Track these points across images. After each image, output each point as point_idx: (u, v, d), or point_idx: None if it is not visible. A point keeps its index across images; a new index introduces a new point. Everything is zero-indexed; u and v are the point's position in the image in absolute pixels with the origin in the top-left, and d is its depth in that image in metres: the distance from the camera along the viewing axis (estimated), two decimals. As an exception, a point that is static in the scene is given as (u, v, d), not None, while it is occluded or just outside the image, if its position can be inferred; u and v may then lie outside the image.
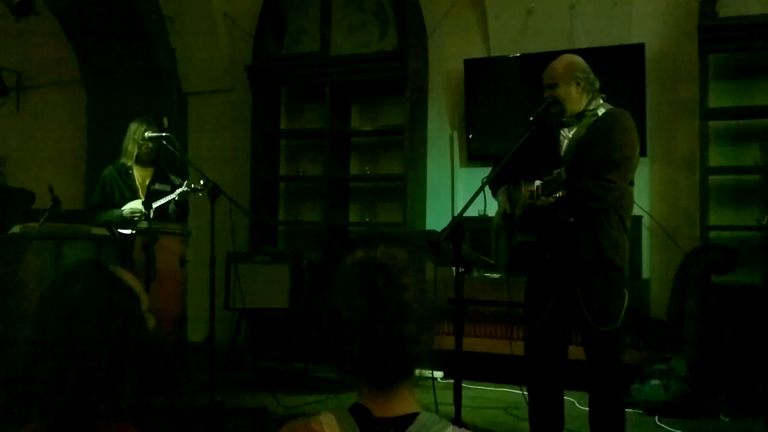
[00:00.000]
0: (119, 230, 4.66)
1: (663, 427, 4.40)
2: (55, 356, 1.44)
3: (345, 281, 1.48)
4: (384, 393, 1.47)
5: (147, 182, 4.90)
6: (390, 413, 1.46)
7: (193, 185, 4.71)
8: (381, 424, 1.44)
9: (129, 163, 4.96)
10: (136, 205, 4.78)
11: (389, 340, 1.43)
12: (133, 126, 4.96)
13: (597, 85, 3.36)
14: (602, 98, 3.39)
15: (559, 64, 3.38)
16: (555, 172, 3.09)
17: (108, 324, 1.47)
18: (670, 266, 5.25)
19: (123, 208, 4.81)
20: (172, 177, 4.95)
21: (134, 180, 4.96)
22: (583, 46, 5.47)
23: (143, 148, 4.92)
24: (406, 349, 1.44)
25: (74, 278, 1.51)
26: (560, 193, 3.08)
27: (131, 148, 4.95)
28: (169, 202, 4.77)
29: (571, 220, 3.20)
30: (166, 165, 5.05)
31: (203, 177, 4.58)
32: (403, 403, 1.47)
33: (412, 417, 1.46)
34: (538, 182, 3.15)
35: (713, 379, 4.72)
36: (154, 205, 4.52)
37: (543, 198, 3.12)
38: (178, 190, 4.74)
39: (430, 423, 1.46)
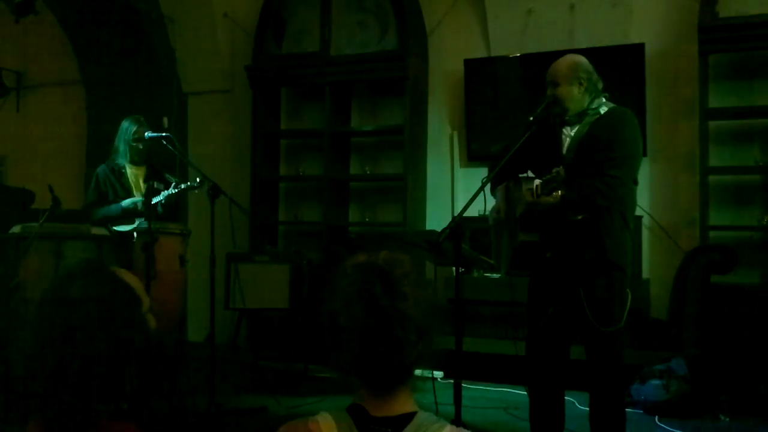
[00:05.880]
0: (117, 228, 4.66)
1: (663, 427, 4.40)
2: (55, 356, 1.43)
3: (344, 286, 1.46)
4: (381, 395, 1.46)
5: (140, 181, 4.90)
6: (387, 413, 1.45)
7: (189, 183, 4.72)
8: (378, 424, 1.44)
9: (122, 162, 4.95)
10: (138, 199, 4.78)
11: (385, 348, 1.42)
12: (124, 125, 4.95)
13: (600, 85, 3.35)
14: (605, 97, 3.38)
15: (562, 63, 3.37)
16: (554, 170, 3.09)
17: (109, 324, 1.46)
18: (670, 266, 5.25)
19: (123, 202, 4.80)
20: (167, 176, 4.95)
21: (127, 179, 4.95)
22: (583, 46, 5.46)
23: (135, 147, 4.91)
24: (402, 357, 1.43)
25: (75, 278, 1.51)
26: (560, 191, 3.08)
27: (123, 147, 4.94)
28: (168, 198, 4.76)
29: (579, 218, 3.20)
30: (159, 164, 5.05)
31: (203, 177, 4.58)
32: (401, 403, 1.47)
33: (409, 416, 1.45)
34: (537, 181, 3.14)
35: (713, 379, 4.71)
36: (154, 200, 4.53)
37: (543, 197, 3.12)
38: (183, 186, 4.73)
39: (428, 422, 1.45)
